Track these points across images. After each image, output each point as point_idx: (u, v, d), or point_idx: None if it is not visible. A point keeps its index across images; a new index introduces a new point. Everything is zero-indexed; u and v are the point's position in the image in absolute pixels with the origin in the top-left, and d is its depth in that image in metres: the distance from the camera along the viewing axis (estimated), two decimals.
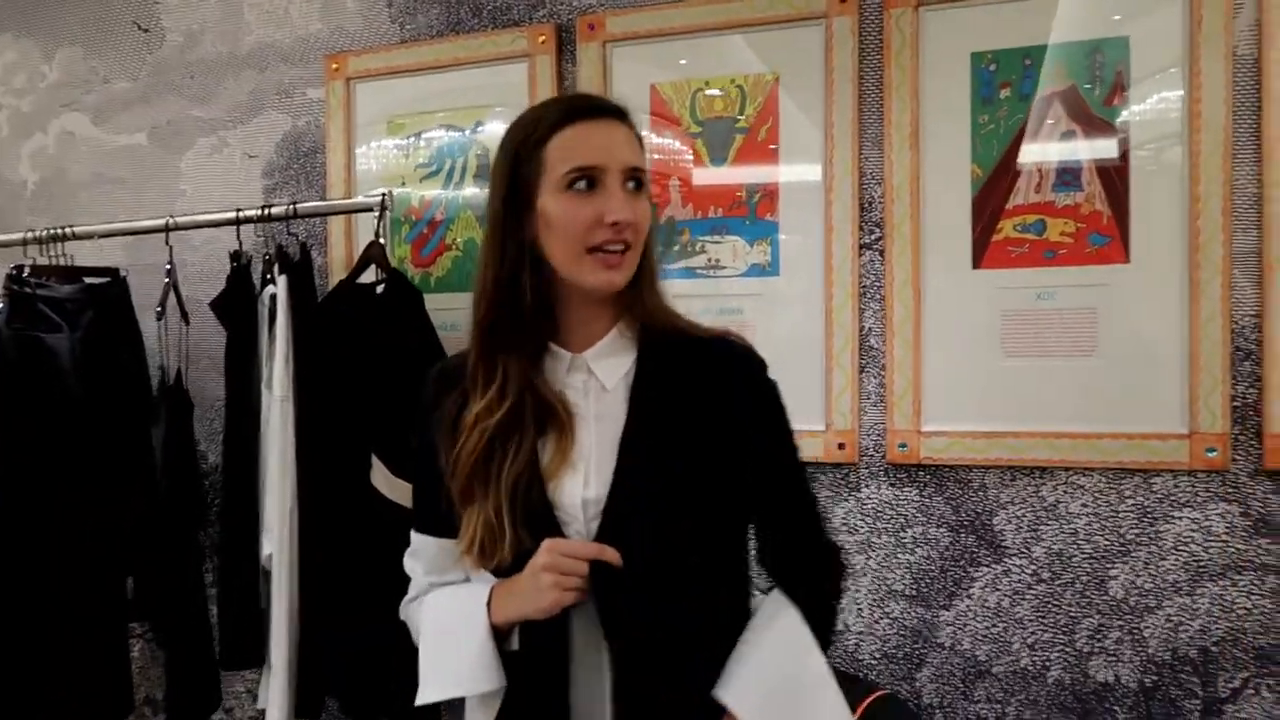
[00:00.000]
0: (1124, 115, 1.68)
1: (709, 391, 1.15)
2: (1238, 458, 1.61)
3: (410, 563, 1.28)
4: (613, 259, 1.09)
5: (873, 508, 1.82)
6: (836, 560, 1.24)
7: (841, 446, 1.81)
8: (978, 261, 1.75)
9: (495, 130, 2.06)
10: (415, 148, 2.12)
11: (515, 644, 1.14)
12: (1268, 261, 1.59)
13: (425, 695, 1.16)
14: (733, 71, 1.90)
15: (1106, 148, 1.69)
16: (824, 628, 1.18)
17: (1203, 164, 1.62)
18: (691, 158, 1.92)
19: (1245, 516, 1.61)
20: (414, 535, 1.26)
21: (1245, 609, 1.61)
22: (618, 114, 1.14)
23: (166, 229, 1.96)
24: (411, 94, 2.13)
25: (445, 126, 2.11)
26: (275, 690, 1.72)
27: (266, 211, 1.88)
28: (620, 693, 1.09)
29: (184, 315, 1.96)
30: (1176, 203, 1.65)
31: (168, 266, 1.98)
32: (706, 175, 1.92)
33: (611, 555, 1.07)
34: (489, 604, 1.13)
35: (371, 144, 2.16)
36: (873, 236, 1.81)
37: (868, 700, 1.63)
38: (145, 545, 1.88)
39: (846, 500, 1.83)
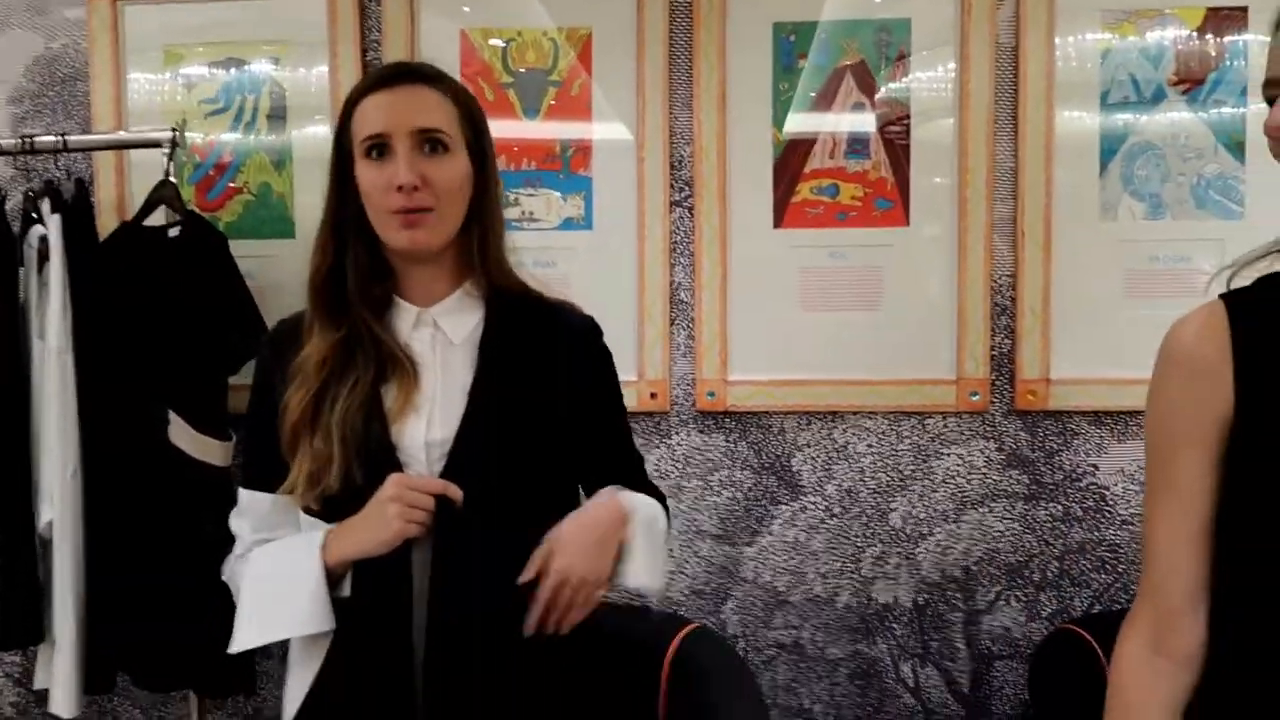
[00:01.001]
0: (905, 90, 1.85)
1: (552, 354, 1.21)
2: (995, 400, 1.84)
3: (236, 522, 1.23)
4: (410, 218, 1.11)
5: (683, 454, 1.91)
6: (663, 503, 1.32)
7: (654, 396, 1.88)
8: (779, 221, 1.87)
9: (289, 68, 1.93)
10: (198, 81, 1.95)
11: (347, 590, 1.12)
12: (1020, 228, 1.82)
13: (242, 640, 1.13)
14: (545, 24, 1.90)
15: (890, 119, 1.85)
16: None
17: (970, 139, 1.82)
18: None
19: (1000, 451, 1.85)
20: (242, 493, 1.22)
21: (999, 532, 1.85)
22: (419, 77, 1.16)
23: None
24: (193, 22, 1.95)
25: (234, 61, 1.95)
26: (61, 668, 1.56)
27: (29, 142, 1.67)
28: (435, 631, 1.11)
29: None
30: (948, 173, 1.84)
31: None
32: (519, 128, 1.91)
33: (455, 492, 1.10)
34: (323, 546, 1.11)
35: (145, 75, 1.96)
36: (682, 194, 1.88)
37: (681, 634, 1.72)
38: None
39: (658, 447, 1.91)
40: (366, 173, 1.12)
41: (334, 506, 1.12)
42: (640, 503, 1.21)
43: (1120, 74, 1.81)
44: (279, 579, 1.13)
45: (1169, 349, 0.95)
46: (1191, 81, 1.79)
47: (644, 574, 1.17)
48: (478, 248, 1.18)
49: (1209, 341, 0.91)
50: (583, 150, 1.90)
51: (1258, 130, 1.78)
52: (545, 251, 1.91)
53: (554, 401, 1.18)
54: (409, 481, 1.09)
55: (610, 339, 1.27)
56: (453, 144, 1.14)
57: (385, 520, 1.07)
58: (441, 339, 1.18)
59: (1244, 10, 1.78)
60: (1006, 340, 1.84)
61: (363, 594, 1.12)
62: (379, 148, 1.12)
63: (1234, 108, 1.79)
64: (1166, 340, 0.95)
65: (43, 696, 1.67)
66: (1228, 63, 1.79)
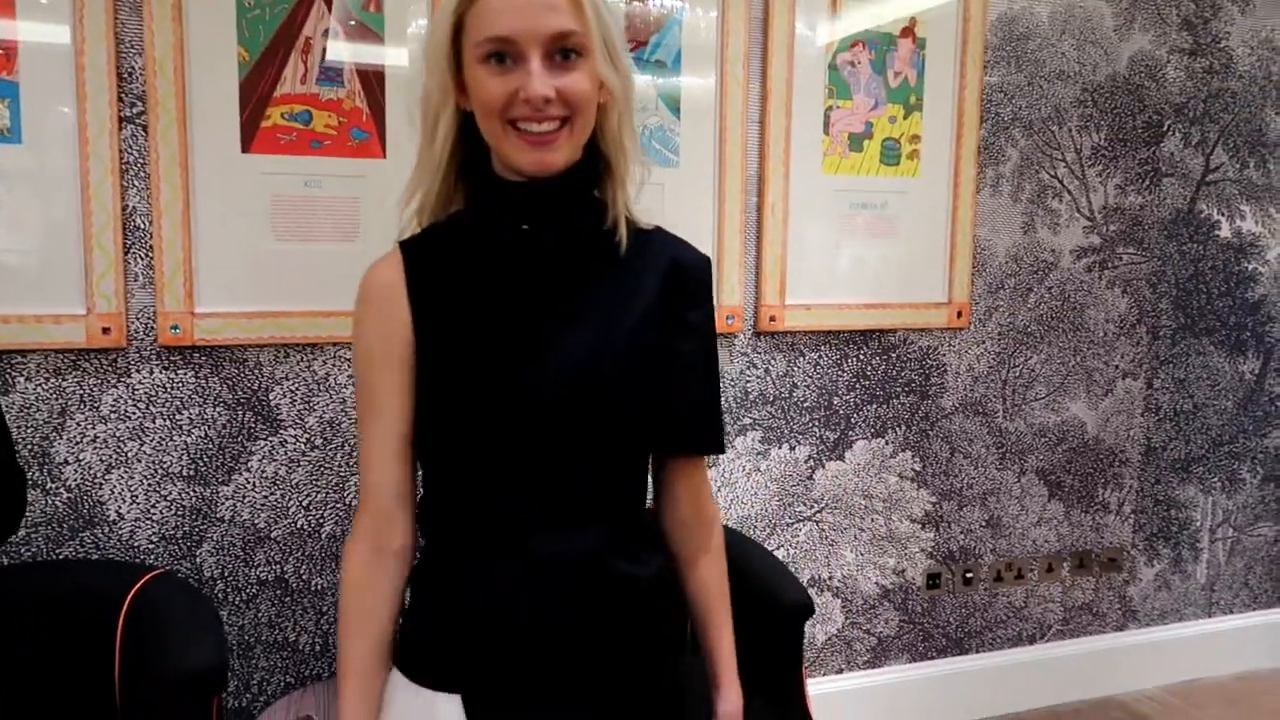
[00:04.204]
0: (380, 18, 1.84)
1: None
2: None
3: None
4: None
5: (145, 392, 1.78)
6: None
7: (106, 331, 1.72)
8: (247, 145, 1.78)
9: None
10: None
11: None
12: None
13: None
14: None
15: (366, 52, 1.83)
16: None
17: None
18: None
19: None
20: None
21: None
22: None
23: None
24: None
25: None
26: None
27: None
28: None
29: None
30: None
31: None
32: None
33: None
34: None
35: None
36: (135, 110, 1.72)
37: (140, 582, 1.64)
38: None
39: (116, 386, 1.75)
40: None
41: None
42: None
43: None
44: None
45: (362, 290, 1.10)
46: (637, 41, 2.00)
47: None
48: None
49: (391, 282, 1.08)
50: (6, 50, 1.64)
51: (691, 88, 2.04)
52: None
53: None
54: None
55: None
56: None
57: None
58: None
59: None
60: None
61: None
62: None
63: (671, 67, 2.03)
64: (361, 282, 1.11)
65: None
66: (667, 27, 2.02)
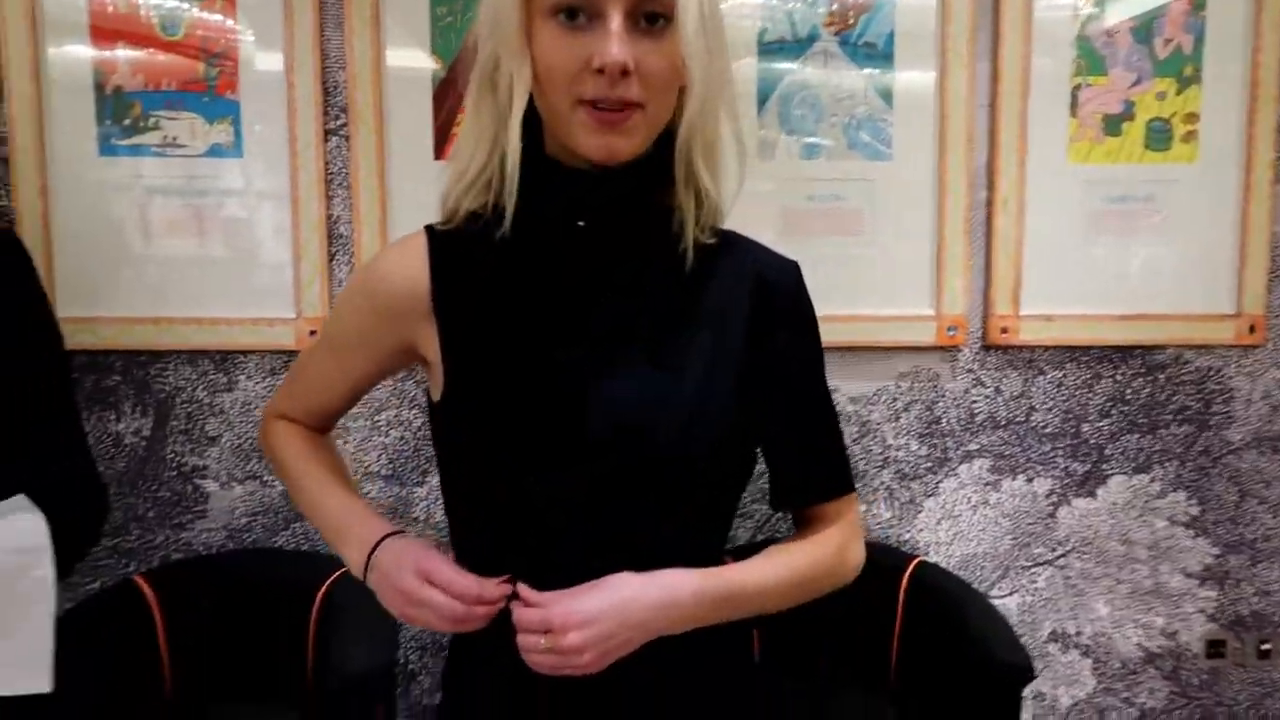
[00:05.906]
0: None
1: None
2: None
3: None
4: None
5: None
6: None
7: (314, 334, 1.81)
8: (440, 152, 1.80)
9: None
10: None
11: None
12: None
13: None
14: None
15: None
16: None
17: None
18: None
19: None
20: None
21: None
22: None
23: None
24: None
25: None
26: None
27: None
28: None
29: None
30: None
31: None
32: (158, 45, 1.77)
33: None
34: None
35: None
36: (338, 122, 1.79)
37: (332, 577, 1.70)
38: None
39: None
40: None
41: None
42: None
43: (778, 13, 1.82)
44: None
45: (372, 281, 1.01)
46: (844, 24, 1.82)
47: None
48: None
49: (409, 290, 0.96)
50: (229, 72, 1.77)
51: (905, 71, 1.83)
52: (195, 180, 1.78)
53: None
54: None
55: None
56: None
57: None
58: None
59: None
60: None
61: None
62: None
63: (883, 50, 1.82)
64: (373, 267, 1.02)
65: None
66: (878, 6, 1.82)
